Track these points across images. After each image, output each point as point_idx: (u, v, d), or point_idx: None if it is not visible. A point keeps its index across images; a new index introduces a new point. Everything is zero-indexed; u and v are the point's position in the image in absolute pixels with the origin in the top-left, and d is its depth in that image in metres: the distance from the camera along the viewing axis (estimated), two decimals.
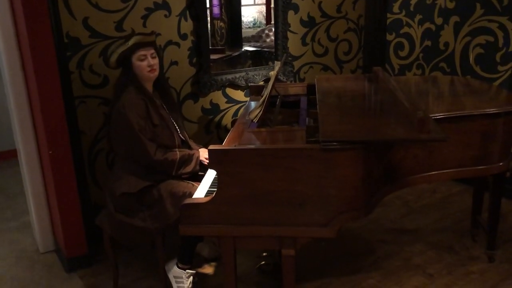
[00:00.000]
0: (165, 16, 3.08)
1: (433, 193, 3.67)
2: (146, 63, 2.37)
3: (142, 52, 2.36)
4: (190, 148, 2.58)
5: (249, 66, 3.91)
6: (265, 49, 4.34)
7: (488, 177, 2.67)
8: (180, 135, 2.55)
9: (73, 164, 2.67)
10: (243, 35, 4.92)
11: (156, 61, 2.42)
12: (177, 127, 2.54)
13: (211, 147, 1.91)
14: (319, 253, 2.88)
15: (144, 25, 2.99)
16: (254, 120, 2.29)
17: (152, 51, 2.40)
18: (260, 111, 2.28)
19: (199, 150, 2.56)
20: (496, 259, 2.73)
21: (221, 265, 2.74)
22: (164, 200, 2.32)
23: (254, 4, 5.45)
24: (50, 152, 2.56)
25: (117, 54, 2.36)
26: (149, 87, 2.45)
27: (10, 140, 3.61)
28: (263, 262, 2.65)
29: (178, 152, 2.39)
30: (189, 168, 2.41)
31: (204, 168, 2.43)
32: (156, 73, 2.43)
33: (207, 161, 2.35)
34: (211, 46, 4.55)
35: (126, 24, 2.93)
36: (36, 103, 2.57)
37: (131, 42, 2.34)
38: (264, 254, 2.67)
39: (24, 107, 2.71)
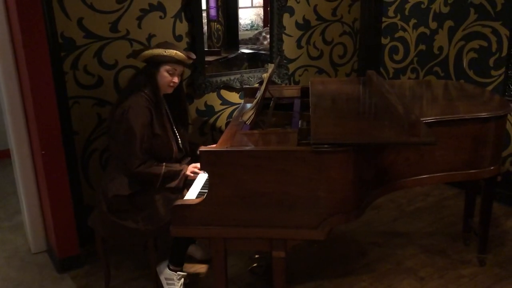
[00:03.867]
0: (160, 17, 3.08)
1: (426, 196, 3.68)
2: (171, 79, 2.39)
3: (174, 67, 2.38)
4: (187, 156, 2.59)
5: (245, 68, 3.92)
6: (262, 52, 4.35)
7: (480, 181, 2.68)
8: (181, 145, 2.54)
9: (66, 164, 2.67)
10: (241, 37, 4.93)
11: (178, 80, 2.44)
12: (178, 138, 2.53)
13: (203, 148, 1.92)
14: (311, 255, 2.89)
15: (139, 26, 3.00)
16: (246, 122, 2.30)
17: (182, 70, 2.44)
18: (253, 113, 2.29)
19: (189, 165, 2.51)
20: (487, 263, 2.74)
21: (212, 266, 2.73)
22: (156, 202, 2.32)
23: (252, 7, 5.45)
24: (43, 152, 2.56)
25: (152, 54, 2.34)
26: (162, 93, 2.46)
27: (3, 140, 3.61)
28: (255, 264, 2.65)
29: (163, 168, 2.33)
30: (172, 184, 2.35)
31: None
32: (172, 90, 2.45)
33: (195, 173, 2.37)
34: (208, 48, 4.55)
35: (121, 25, 2.93)
36: (29, 103, 2.57)
37: (173, 54, 2.33)
38: (256, 256, 2.67)
39: (18, 107, 2.70)
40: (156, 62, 2.36)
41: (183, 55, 2.38)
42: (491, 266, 2.73)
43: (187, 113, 2.64)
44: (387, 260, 2.82)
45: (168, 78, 2.38)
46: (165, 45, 2.39)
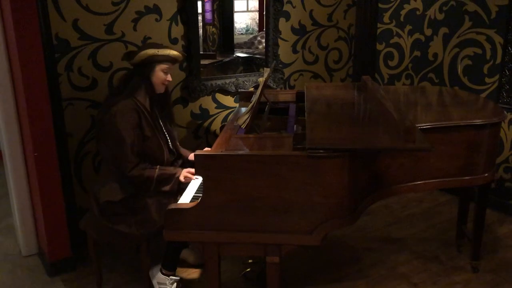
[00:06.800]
0: (156, 20, 3.08)
1: (420, 202, 3.68)
2: (165, 77, 2.41)
3: (169, 66, 2.40)
4: (179, 158, 2.57)
5: (240, 72, 3.92)
6: (257, 56, 4.35)
7: (473, 188, 2.69)
8: (171, 146, 2.53)
9: (59, 166, 2.64)
10: (236, 41, 4.93)
11: (170, 78, 2.46)
12: (168, 139, 2.52)
13: (198, 152, 1.91)
14: (304, 260, 2.88)
15: (135, 29, 2.99)
16: (242, 126, 2.29)
17: (173, 69, 2.45)
18: (248, 117, 2.28)
19: (191, 156, 2.55)
20: (480, 270, 2.75)
21: (206, 271, 2.71)
22: (149, 206, 2.30)
23: (247, 11, 5.45)
24: (35, 154, 2.53)
25: (147, 55, 2.33)
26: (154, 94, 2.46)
27: None
28: (248, 269, 2.63)
29: (157, 170, 2.32)
30: (167, 188, 2.33)
31: None
32: (164, 89, 2.47)
33: (188, 178, 2.33)
34: (203, 52, 4.54)
35: (116, 27, 2.92)
36: (22, 104, 2.54)
37: (167, 52, 2.35)
38: (249, 261, 2.65)
39: (10, 108, 2.67)
40: (151, 63, 2.35)
41: (178, 53, 2.41)
42: (484, 273, 2.73)
43: (172, 110, 2.67)
44: (381, 266, 2.82)
45: (163, 76, 2.40)
46: (155, 45, 2.39)
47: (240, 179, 1.85)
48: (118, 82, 2.51)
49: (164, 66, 2.38)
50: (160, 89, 2.44)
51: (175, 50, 2.41)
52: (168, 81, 2.44)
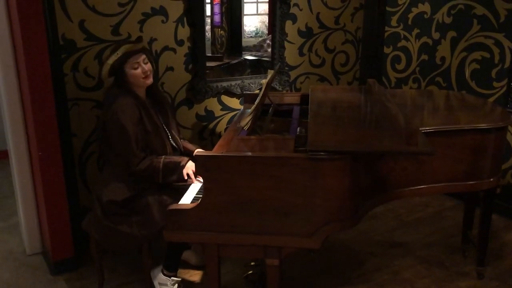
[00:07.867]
0: (162, 21, 3.09)
1: (425, 207, 3.65)
2: (140, 70, 2.33)
3: (134, 60, 2.31)
4: (181, 154, 2.57)
5: (247, 75, 3.92)
6: (265, 58, 4.36)
7: (479, 193, 2.65)
8: (172, 142, 2.53)
9: (63, 166, 2.66)
10: (245, 44, 4.95)
11: (149, 67, 2.38)
12: (169, 135, 2.53)
13: (198, 153, 1.91)
14: (307, 263, 2.86)
15: (141, 30, 3.00)
16: (244, 128, 2.28)
17: (144, 57, 2.36)
18: (250, 119, 2.28)
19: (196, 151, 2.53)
20: (485, 276, 2.71)
21: (206, 272, 2.71)
22: (151, 207, 2.30)
23: (257, 14, 5.46)
24: (40, 153, 2.55)
25: (109, 65, 2.30)
26: (142, 94, 2.43)
27: (1, 141, 3.61)
28: (250, 272, 2.62)
29: (162, 159, 2.31)
30: (174, 177, 2.31)
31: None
32: (151, 79, 2.40)
33: (191, 180, 2.32)
34: (211, 54, 4.56)
35: (122, 28, 2.93)
36: (28, 104, 2.56)
37: (120, 51, 2.29)
38: (252, 263, 2.64)
39: (16, 107, 2.69)
40: (118, 69, 2.31)
41: (131, 44, 2.34)
42: (489, 279, 2.69)
43: (167, 105, 2.58)
44: (384, 271, 2.79)
45: (137, 71, 2.32)
46: (115, 48, 2.33)
47: (240, 180, 1.85)
48: (104, 95, 2.48)
49: (130, 63, 2.31)
50: (145, 83, 2.37)
51: (130, 41, 2.35)
52: (145, 71, 2.34)
